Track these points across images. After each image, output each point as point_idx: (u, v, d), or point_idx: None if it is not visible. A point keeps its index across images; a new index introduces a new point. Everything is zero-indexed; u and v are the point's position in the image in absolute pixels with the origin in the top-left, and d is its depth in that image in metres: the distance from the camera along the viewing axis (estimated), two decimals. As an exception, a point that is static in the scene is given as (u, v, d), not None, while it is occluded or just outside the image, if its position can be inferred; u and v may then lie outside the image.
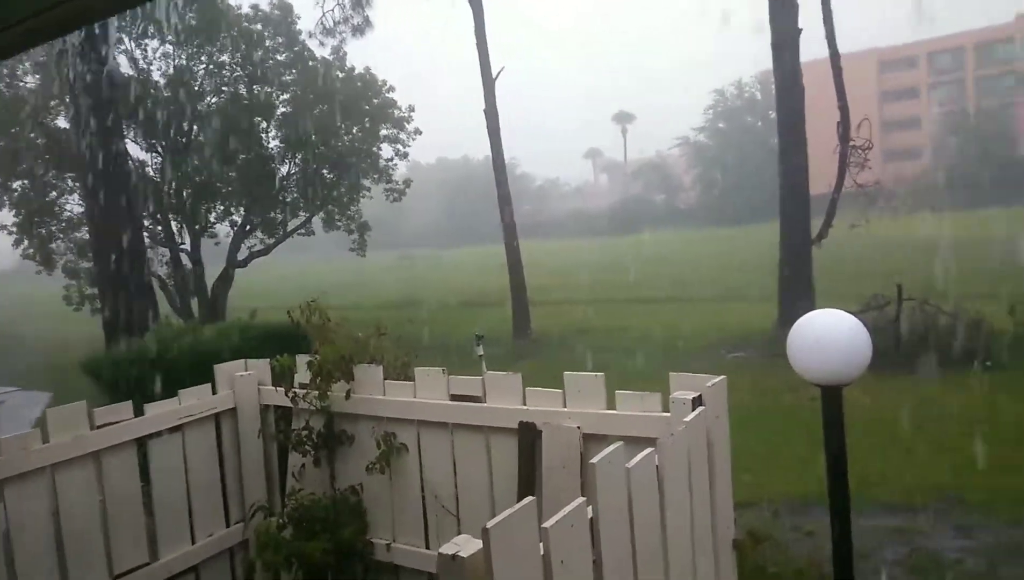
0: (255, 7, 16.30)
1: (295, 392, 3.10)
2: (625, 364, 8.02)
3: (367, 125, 17.07)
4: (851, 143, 9.46)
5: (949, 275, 11.49)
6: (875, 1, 66.41)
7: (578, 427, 2.54)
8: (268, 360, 3.31)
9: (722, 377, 2.53)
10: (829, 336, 2.32)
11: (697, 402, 2.34)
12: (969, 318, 8.26)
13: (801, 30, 9.29)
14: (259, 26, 16.23)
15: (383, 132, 17.53)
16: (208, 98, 16.16)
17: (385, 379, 3.04)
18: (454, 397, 2.90)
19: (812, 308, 8.71)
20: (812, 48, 9.87)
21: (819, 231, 9.79)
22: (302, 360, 3.16)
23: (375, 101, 17.05)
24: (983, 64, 62.24)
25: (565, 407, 2.63)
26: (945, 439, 5.73)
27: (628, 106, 77.36)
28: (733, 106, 64.32)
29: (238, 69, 16.12)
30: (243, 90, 16.20)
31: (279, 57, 16.64)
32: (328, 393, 3.02)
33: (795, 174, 9.66)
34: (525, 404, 2.72)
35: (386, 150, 17.73)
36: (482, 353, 5.43)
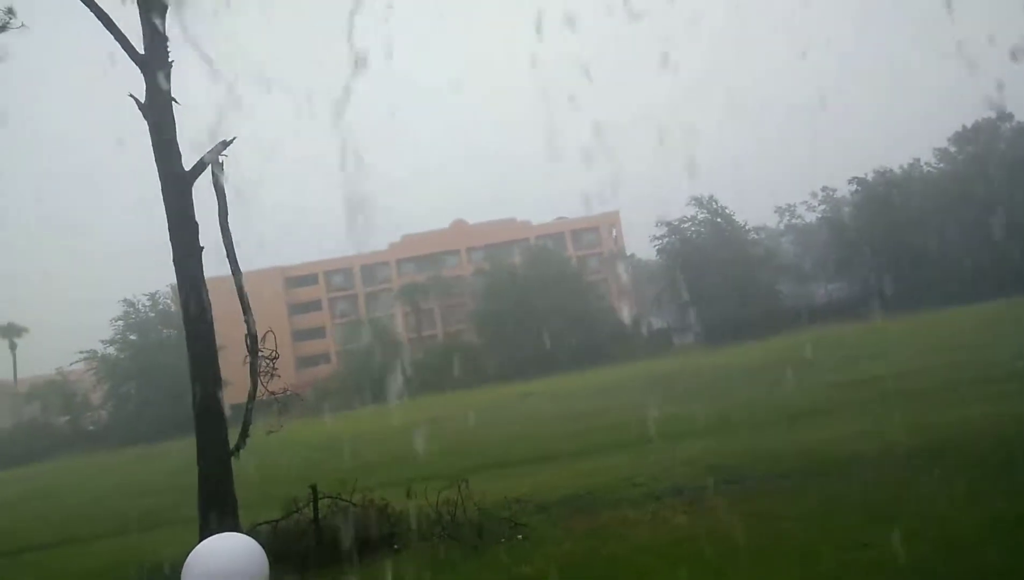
0: None
1: None
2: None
3: None
4: (260, 353, 9.90)
5: (359, 468, 12.65)
6: (278, 224, 74.40)
7: None
8: None
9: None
10: (222, 570, 2.18)
11: None
12: (376, 506, 9.12)
13: (203, 248, 9.62)
14: None
15: None
16: None
17: None
18: None
19: (235, 523, 8.28)
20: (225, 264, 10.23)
21: (237, 442, 9.73)
22: None
23: None
24: (368, 282, 74.60)
25: None
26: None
27: (20, 318, 66.81)
28: (146, 318, 61.78)
29: None
30: None
31: None
32: None
33: (208, 386, 9.56)
34: None
35: None
36: None
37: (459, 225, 73.69)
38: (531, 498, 9.67)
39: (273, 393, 10.61)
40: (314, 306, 73.16)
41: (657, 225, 64.03)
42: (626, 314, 65.12)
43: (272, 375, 10.49)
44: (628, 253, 74.50)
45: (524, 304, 58.64)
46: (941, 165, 61.01)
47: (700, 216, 63.10)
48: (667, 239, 63.80)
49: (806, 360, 23.09)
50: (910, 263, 52.09)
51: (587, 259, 70.70)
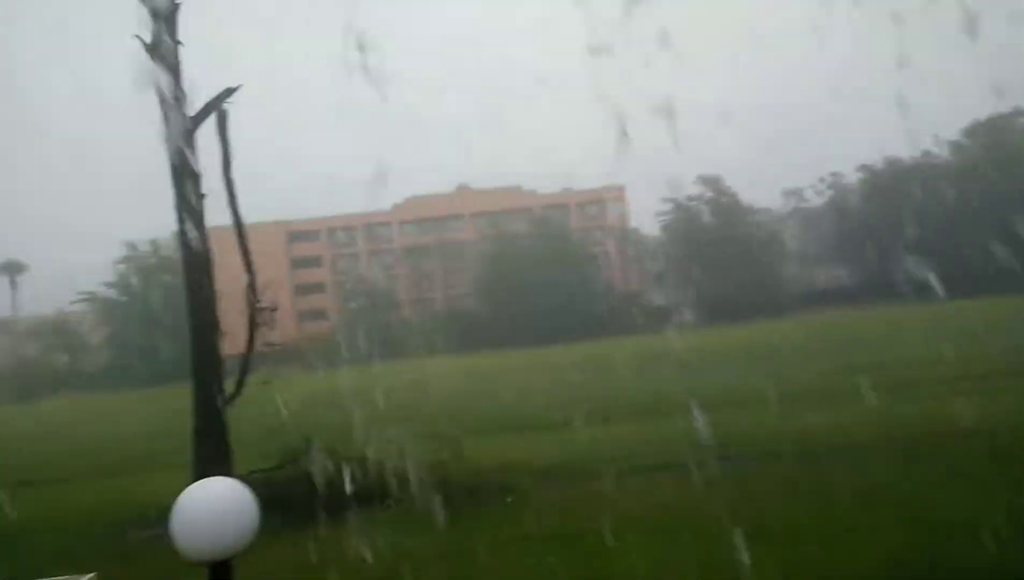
0: None
1: None
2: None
3: None
4: (259, 305, 9.90)
5: (351, 424, 12.72)
6: (286, 178, 73.90)
7: None
8: None
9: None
10: (211, 513, 2.17)
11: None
12: (370, 462, 9.19)
13: (205, 195, 9.56)
14: None
15: None
16: None
17: None
18: None
19: (228, 470, 8.33)
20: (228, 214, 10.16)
21: (233, 391, 9.77)
22: None
23: None
24: (371, 241, 74.43)
25: None
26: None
27: (20, 254, 66.79)
28: (147, 263, 61.77)
29: None
30: None
31: None
32: None
33: (205, 335, 9.58)
34: None
35: None
36: None
37: (464, 190, 73.22)
38: (525, 464, 9.75)
39: (270, 345, 10.65)
40: (316, 262, 73.13)
41: (663, 202, 63.74)
42: (627, 289, 65.13)
43: (271, 327, 10.52)
44: (632, 228, 74.21)
45: (525, 273, 58.60)
46: (952, 158, 60.43)
47: (706, 195, 62.74)
48: (672, 216, 63.54)
49: (802, 345, 23.12)
50: (914, 253, 51.87)
51: (591, 232, 70.42)
